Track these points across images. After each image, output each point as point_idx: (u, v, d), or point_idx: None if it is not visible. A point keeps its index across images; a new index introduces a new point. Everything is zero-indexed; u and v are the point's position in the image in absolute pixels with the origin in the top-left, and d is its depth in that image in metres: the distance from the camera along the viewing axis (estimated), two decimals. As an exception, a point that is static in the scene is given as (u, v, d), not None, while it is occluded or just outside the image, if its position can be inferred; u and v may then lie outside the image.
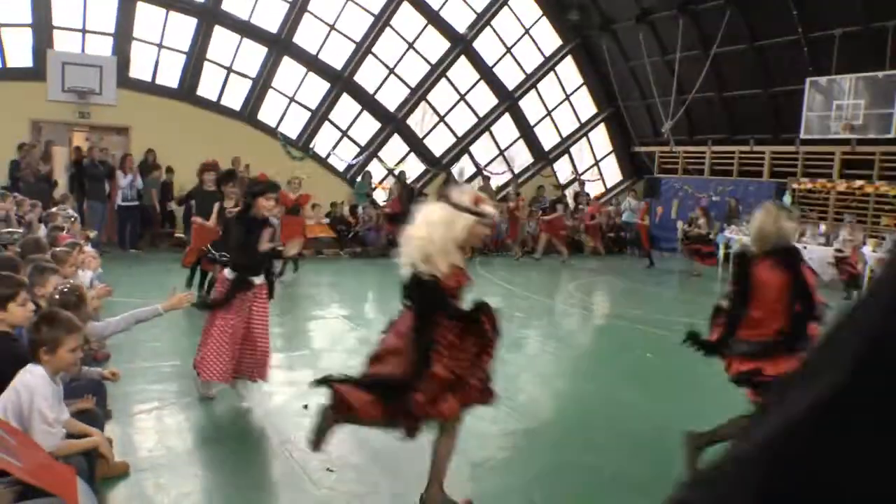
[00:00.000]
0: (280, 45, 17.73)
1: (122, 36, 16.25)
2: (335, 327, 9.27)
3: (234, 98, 17.75)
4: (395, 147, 20.20)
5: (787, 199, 17.32)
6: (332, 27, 18.25)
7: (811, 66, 16.98)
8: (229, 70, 17.48)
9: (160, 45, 16.64)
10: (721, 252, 17.19)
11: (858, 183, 16.47)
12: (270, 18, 17.61)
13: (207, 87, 17.34)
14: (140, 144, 16.25)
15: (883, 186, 16.11)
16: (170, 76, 16.95)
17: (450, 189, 4.26)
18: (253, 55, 17.73)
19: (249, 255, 5.91)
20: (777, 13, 17.01)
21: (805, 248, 15.26)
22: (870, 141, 16.41)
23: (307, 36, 18.16)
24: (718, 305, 4.83)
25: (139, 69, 16.60)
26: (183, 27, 16.72)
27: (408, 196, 17.64)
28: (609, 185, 23.79)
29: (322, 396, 3.78)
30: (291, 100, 18.34)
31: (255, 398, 6.02)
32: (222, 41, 17.21)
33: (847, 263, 14.07)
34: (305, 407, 5.58)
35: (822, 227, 16.19)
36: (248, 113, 17.83)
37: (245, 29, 17.30)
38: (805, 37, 16.92)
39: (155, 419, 5.46)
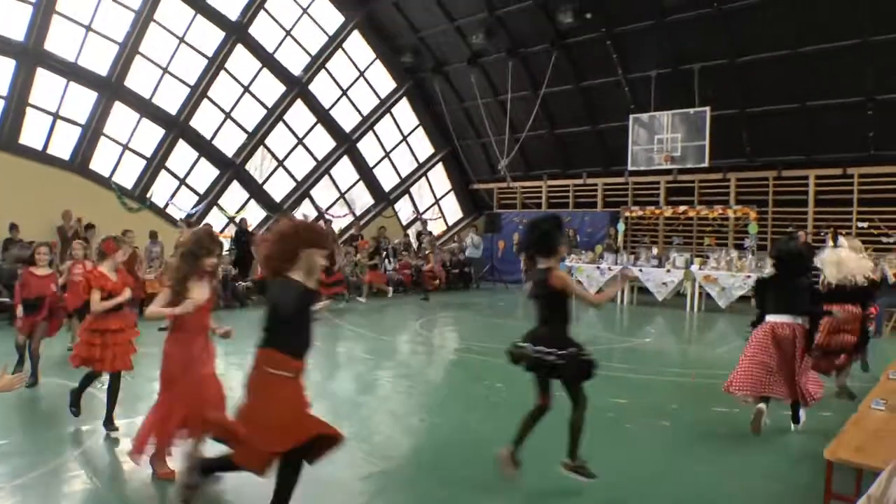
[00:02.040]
0: (110, 88, 16.76)
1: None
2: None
3: (63, 147, 16.47)
4: (235, 194, 19.67)
5: (620, 226, 18.35)
6: (165, 70, 17.57)
7: (633, 103, 18.13)
8: (56, 116, 16.21)
9: (-28, 89, 15.26)
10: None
11: (682, 208, 17.82)
12: (99, 60, 16.62)
13: (31, 135, 15.95)
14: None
15: (703, 210, 17.49)
16: (-15, 123, 15.57)
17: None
18: (81, 100, 16.59)
19: None
20: (599, 56, 18.16)
21: (640, 270, 16.30)
22: (688, 170, 17.75)
23: (139, 79, 17.31)
24: None
25: (-53, 115, 15.17)
26: (0, 69, 15.40)
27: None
28: (451, 223, 24.22)
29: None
30: (125, 147, 17.35)
31: (103, 467, 5.58)
32: (46, 84, 15.97)
33: (429, 272, 19.08)
34: None
35: (655, 250, 17.30)
36: (79, 162, 16.60)
37: (72, 71, 16.15)
38: (625, 77, 18.10)
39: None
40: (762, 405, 6.30)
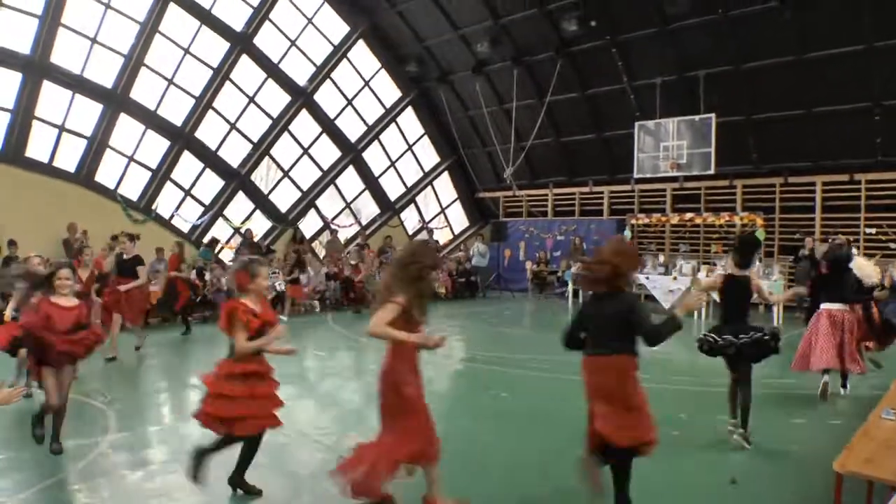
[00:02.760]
0: (116, 100, 16.78)
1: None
2: (188, 398, 8.75)
3: (68, 159, 16.49)
4: (241, 205, 19.67)
5: (627, 233, 18.30)
6: (170, 81, 17.61)
7: (638, 111, 18.09)
8: (61, 129, 16.20)
9: (-22, 103, 15.23)
10: (570, 288, 17.93)
11: (689, 215, 17.71)
12: (104, 73, 16.65)
13: (37, 148, 15.96)
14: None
15: (710, 217, 17.40)
16: (-8, 136, 15.51)
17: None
18: (87, 112, 16.59)
19: None
20: (603, 64, 18.12)
21: (647, 277, 16.23)
22: (695, 177, 17.66)
23: (144, 91, 17.34)
24: None
25: (-47, 129, 15.13)
26: (6, 82, 15.38)
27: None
28: (457, 232, 24.18)
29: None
30: (130, 159, 17.37)
31: (105, 482, 5.52)
32: (52, 97, 15.96)
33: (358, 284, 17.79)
34: None
35: (661, 258, 17.21)
36: (85, 174, 16.60)
37: (77, 84, 16.16)
38: (630, 85, 18.07)
39: (-21, 520, 4.87)
40: (826, 378, 7.99)
